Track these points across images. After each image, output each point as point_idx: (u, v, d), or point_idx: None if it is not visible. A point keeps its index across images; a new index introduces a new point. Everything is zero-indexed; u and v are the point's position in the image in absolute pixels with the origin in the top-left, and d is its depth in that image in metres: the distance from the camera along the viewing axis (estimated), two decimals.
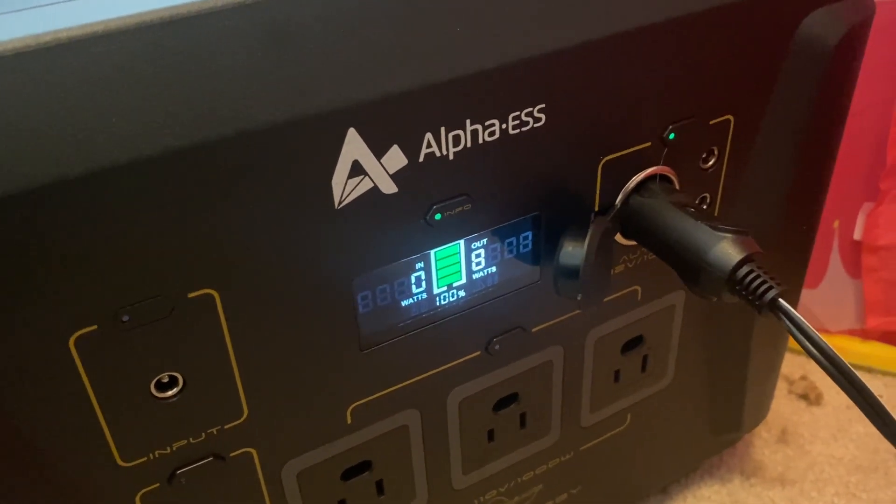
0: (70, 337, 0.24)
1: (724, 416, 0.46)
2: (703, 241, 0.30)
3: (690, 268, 0.30)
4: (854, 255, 0.57)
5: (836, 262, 0.57)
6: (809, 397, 0.56)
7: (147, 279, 0.24)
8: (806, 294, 0.56)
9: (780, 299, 0.28)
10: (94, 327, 0.24)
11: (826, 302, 0.58)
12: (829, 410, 0.56)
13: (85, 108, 0.22)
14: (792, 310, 0.28)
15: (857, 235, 0.56)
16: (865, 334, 0.59)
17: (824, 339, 0.28)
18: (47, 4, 0.23)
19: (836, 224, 0.56)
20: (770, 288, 0.28)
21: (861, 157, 0.53)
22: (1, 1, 0.23)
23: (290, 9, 0.24)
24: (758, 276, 0.29)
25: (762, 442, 0.53)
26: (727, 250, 0.29)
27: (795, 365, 0.58)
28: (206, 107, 0.23)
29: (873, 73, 0.43)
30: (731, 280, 0.29)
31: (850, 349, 0.58)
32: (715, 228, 0.30)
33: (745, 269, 0.29)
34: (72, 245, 0.23)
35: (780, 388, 0.56)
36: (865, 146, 0.52)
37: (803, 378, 0.57)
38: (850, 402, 0.56)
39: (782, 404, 0.56)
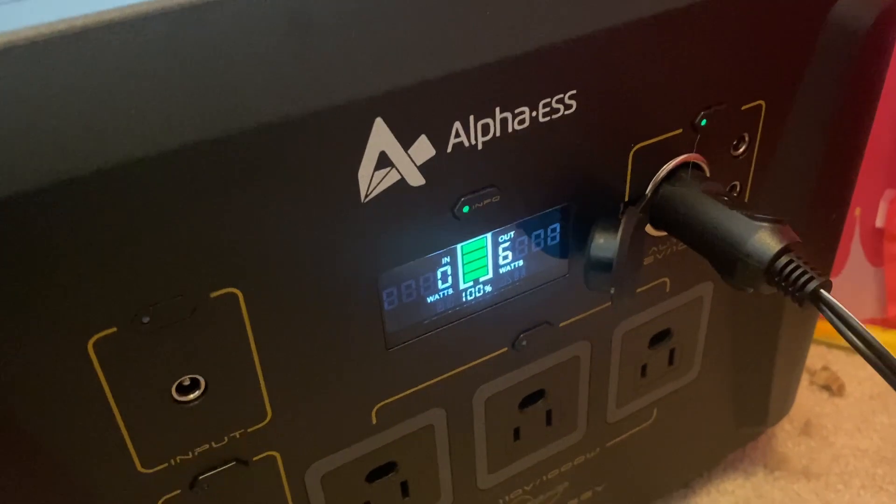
0: (89, 340, 0.23)
1: (749, 409, 0.45)
2: (740, 231, 0.29)
3: (726, 258, 0.29)
4: (876, 244, 0.56)
5: (857, 250, 0.56)
6: (832, 388, 0.55)
7: (168, 279, 0.23)
8: None
9: (822, 290, 0.27)
10: (114, 329, 0.23)
11: (847, 290, 0.58)
12: (851, 401, 0.55)
13: (100, 101, 0.21)
14: (835, 301, 0.27)
15: (878, 223, 0.55)
16: (886, 323, 0.58)
17: (870, 332, 0.27)
18: None
19: (857, 212, 0.55)
20: (811, 279, 0.27)
21: (883, 143, 0.52)
22: None
23: None
24: (798, 267, 0.28)
25: (785, 434, 0.52)
26: (765, 240, 0.28)
27: (816, 355, 0.57)
28: (227, 98, 0.22)
29: None
30: (770, 271, 0.28)
31: None
32: (751, 217, 0.29)
33: (784, 259, 0.28)
34: (89, 244, 0.22)
35: (802, 379, 0.55)
36: (888, 132, 0.51)
37: (825, 369, 0.56)
38: (874, 393, 0.55)
39: (804, 396, 0.55)
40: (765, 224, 0.29)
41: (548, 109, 0.27)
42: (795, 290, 0.28)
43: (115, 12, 0.21)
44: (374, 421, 0.31)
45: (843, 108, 0.34)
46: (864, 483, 0.49)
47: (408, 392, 0.31)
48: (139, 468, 0.26)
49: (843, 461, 0.51)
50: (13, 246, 0.21)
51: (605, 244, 0.30)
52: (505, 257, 0.30)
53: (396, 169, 0.25)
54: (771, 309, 0.40)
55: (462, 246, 0.29)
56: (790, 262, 0.28)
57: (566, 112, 0.27)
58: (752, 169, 0.34)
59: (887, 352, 0.27)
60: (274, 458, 0.29)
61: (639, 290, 0.35)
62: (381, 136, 0.24)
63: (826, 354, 0.57)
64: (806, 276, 0.27)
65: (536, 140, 0.27)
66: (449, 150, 0.26)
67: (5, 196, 0.20)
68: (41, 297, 0.22)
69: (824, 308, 0.27)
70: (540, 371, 0.34)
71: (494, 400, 0.34)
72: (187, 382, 0.26)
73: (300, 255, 0.25)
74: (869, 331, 0.57)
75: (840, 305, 0.27)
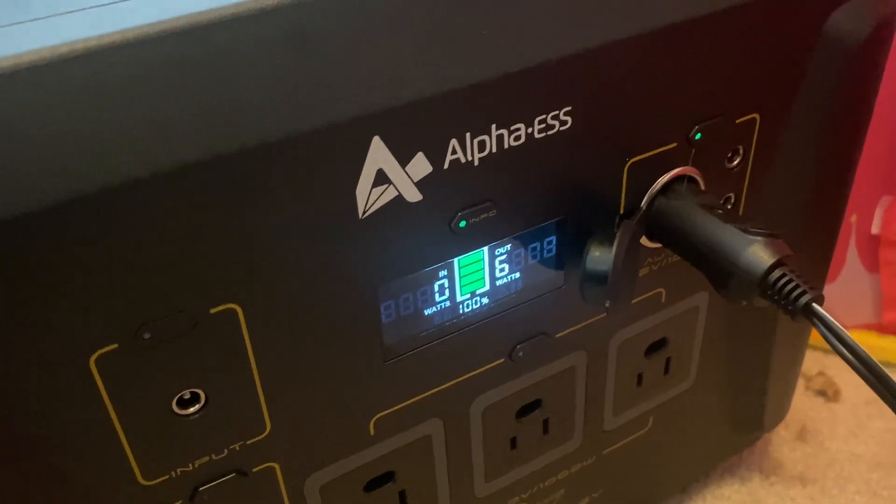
0: (91, 356, 0.23)
1: (745, 416, 0.45)
2: (734, 245, 0.29)
3: (720, 272, 0.29)
4: (871, 250, 0.56)
5: (853, 256, 0.57)
6: (827, 393, 0.56)
7: (169, 296, 0.24)
8: None
9: (814, 304, 0.28)
10: (115, 346, 0.23)
11: (843, 296, 0.58)
12: (847, 406, 0.55)
13: (103, 122, 0.21)
14: (827, 315, 0.27)
15: (874, 230, 0.55)
16: (882, 329, 0.59)
17: (861, 346, 0.27)
18: (63, 14, 0.22)
19: (853, 218, 0.55)
20: (804, 293, 0.28)
21: (879, 150, 0.52)
22: (17, 11, 0.22)
23: (310, 15, 0.23)
24: (790, 281, 0.28)
25: (781, 440, 0.53)
26: (758, 254, 0.29)
27: (812, 361, 0.57)
28: (227, 117, 0.22)
29: (891, 63, 0.42)
30: (763, 284, 0.28)
31: (866, 344, 0.57)
32: (745, 231, 0.29)
33: (777, 273, 0.28)
34: (91, 262, 0.22)
35: (798, 384, 0.56)
36: (884, 139, 0.52)
37: (821, 374, 0.56)
38: (869, 398, 0.56)
39: (800, 401, 0.55)
40: (758, 238, 0.29)
41: (543, 125, 0.27)
42: (788, 304, 0.28)
43: (116, 35, 0.21)
44: (373, 432, 0.31)
45: (838, 120, 0.35)
46: (859, 488, 0.50)
47: (406, 403, 0.31)
48: (140, 480, 0.27)
49: (838, 466, 0.51)
50: (17, 264, 0.21)
51: (600, 257, 0.30)
52: (501, 270, 0.31)
53: (394, 186, 0.25)
54: (766, 317, 0.40)
55: (459, 259, 0.29)
56: (783, 275, 0.28)
57: (561, 128, 0.28)
58: (747, 181, 0.35)
59: (879, 366, 0.27)
60: (273, 469, 0.29)
61: (634, 300, 0.35)
62: (378, 154, 0.25)
63: (822, 360, 0.58)
64: (798, 290, 0.28)
65: (532, 155, 0.28)
66: (446, 166, 0.26)
67: (10, 216, 0.20)
68: (44, 315, 0.22)
69: (817, 322, 0.28)
70: (537, 381, 0.35)
71: (492, 410, 0.34)
72: (188, 396, 0.26)
73: (299, 270, 0.25)
74: (864, 337, 0.58)
75: (832, 319, 0.27)
